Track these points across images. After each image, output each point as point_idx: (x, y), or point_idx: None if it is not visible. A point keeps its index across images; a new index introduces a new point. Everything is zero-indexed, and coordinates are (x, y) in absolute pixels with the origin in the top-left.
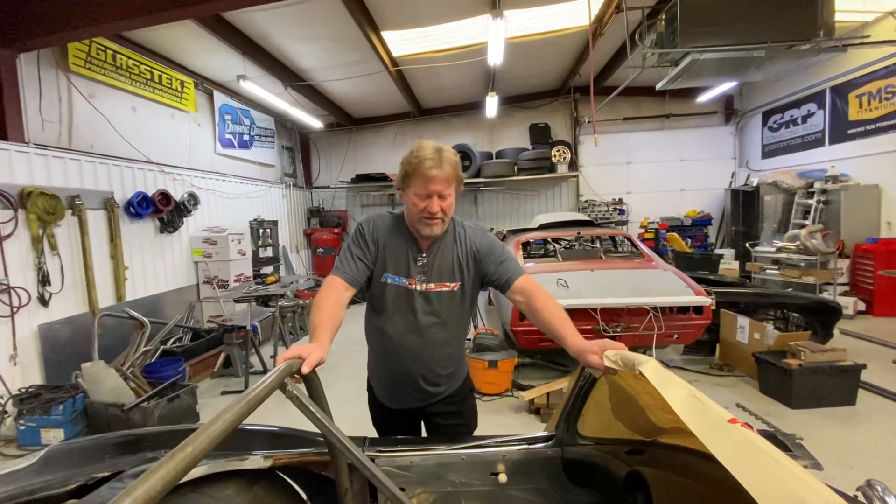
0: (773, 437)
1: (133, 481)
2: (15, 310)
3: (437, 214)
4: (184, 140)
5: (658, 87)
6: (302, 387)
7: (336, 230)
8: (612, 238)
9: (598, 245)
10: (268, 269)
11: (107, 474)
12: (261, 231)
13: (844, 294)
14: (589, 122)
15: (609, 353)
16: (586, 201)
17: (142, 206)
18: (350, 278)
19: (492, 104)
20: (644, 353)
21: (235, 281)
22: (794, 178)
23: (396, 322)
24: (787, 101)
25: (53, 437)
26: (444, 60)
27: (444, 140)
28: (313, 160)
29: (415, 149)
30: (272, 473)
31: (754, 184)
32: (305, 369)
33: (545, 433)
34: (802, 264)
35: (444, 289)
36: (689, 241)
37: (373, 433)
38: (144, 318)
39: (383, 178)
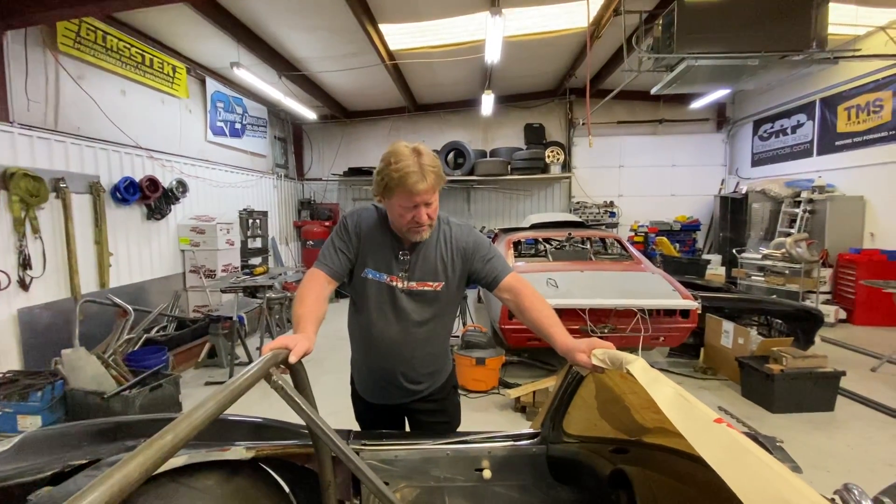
0: (755, 439)
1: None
2: None
3: (426, 221)
4: (174, 126)
5: (653, 91)
6: (287, 378)
7: (327, 223)
8: (603, 240)
9: (588, 246)
10: (256, 260)
11: (84, 462)
12: (250, 221)
13: (826, 302)
14: (583, 123)
15: (597, 351)
16: (578, 203)
17: (129, 191)
18: (332, 271)
19: (487, 102)
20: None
21: (223, 271)
22: (782, 186)
23: (377, 319)
24: (778, 111)
25: (31, 423)
26: (442, 56)
27: (439, 137)
28: (306, 152)
29: (392, 159)
30: (255, 465)
31: (743, 191)
32: (293, 358)
33: (531, 430)
34: (787, 272)
35: (426, 288)
36: (678, 245)
37: (357, 426)
38: (128, 306)
39: None
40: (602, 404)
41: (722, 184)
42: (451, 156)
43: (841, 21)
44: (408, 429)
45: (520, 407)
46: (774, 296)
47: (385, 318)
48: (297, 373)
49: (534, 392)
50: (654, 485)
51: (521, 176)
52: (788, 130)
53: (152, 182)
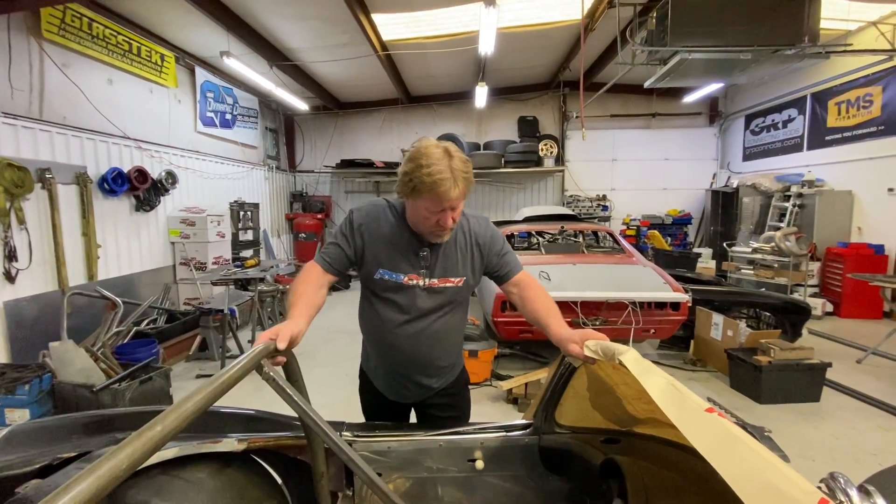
0: (743, 429)
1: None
2: None
3: (451, 226)
4: (163, 116)
5: (646, 85)
6: (279, 369)
7: (319, 215)
8: (595, 233)
9: (580, 239)
10: (247, 253)
11: (73, 454)
12: (241, 213)
13: (814, 295)
14: (577, 117)
15: (590, 342)
16: (571, 196)
17: (117, 182)
18: (328, 266)
19: (481, 94)
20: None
21: (214, 263)
22: (772, 181)
23: (396, 319)
24: (770, 106)
25: (18, 417)
26: (435, 47)
27: (433, 130)
28: (298, 143)
29: (423, 161)
30: (247, 457)
31: (734, 185)
32: (281, 345)
33: (523, 421)
34: (776, 265)
35: (448, 284)
36: (669, 239)
37: (349, 418)
38: (117, 298)
39: (369, 164)
40: (594, 395)
41: (713, 178)
42: None
43: (833, 16)
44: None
45: (512, 399)
46: (763, 289)
47: (404, 319)
48: (288, 364)
49: (526, 384)
50: (644, 474)
51: (514, 169)
52: (780, 125)
53: (141, 173)
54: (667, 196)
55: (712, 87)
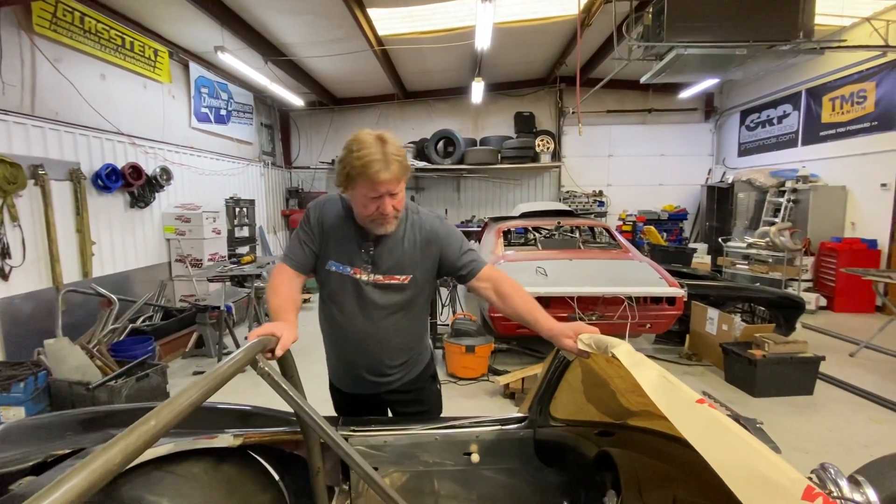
0: (736, 420)
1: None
2: None
3: (391, 213)
4: (157, 112)
5: (643, 80)
6: (274, 364)
7: None
8: (591, 229)
9: (577, 235)
10: (243, 249)
11: (68, 451)
12: (237, 210)
13: (808, 290)
14: (573, 112)
15: (583, 336)
16: (567, 192)
17: (111, 178)
18: (297, 265)
19: (477, 90)
20: None
21: (209, 260)
22: (767, 176)
23: (343, 312)
24: (765, 101)
25: (14, 414)
26: (431, 42)
27: (429, 125)
28: (293, 139)
29: (354, 147)
30: (243, 452)
31: (729, 181)
32: (279, 352)
33: (518, 415)
34: (770, 260)
35: (393, 281)
36: (665, 234)
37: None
38: (112, 295)
39: None
40: (588, 388)
41: (709, 173)
42: (440, 144)
43: (827, 11)
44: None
45: (508, 393)
46: (758, 283)
47: (351, 311)
48: (284, 359)
49: (522, 379)
50: (637, 465)
51: (511, 165)
52: (775, 121)
53: (135, 169)
54: (662, 191)
55: (708, 83)
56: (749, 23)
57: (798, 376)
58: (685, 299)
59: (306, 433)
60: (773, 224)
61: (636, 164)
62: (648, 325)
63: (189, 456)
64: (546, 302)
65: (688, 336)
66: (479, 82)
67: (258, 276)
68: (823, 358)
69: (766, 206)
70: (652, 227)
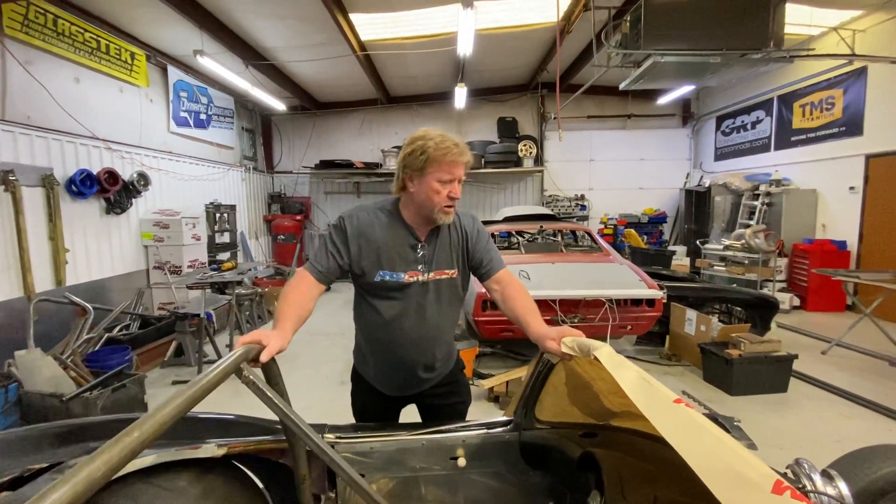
0: (714, 419)
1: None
2: None
3: (458, 198)
4: (134, 116)
5: (621, 87)
6: (259, 372)
7: (298, 217)
8: (573, 232)
9: (559, 239)
10: (225, 256)
11: (44, 465)
12: (217, 216)
13: (782, 290)
14: (555, 118)
15: (566, 339)
16: (550, 196)
17: (85, 184)
18: (321, 276)
19: (460, 95)
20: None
21: (189, 267)
22: (742, 180)
23: (398, 317)
24: (739, 108)
25: None
26: (414, 48)
27: (412, 130)
28: (275, 144)
29: (427, 135)
30: (227, 462)
31: (706, 185)
32: (264, 358)
33: (504, 418)
34: (746, 262)
35: (443, 276)
36: (646, 237)
37: (332, 420)
38: (87, 304)
39: (349, 164)
40: (572, 391)
41: (687, 177)
42: None
43: (797, 21)
44: (419, 419)
45: (493, 397)
46: (735, 284)
47: (407, 315)
48: (268, 367)
49: (507, 382)
50: (620, 465)
51: (494, 169)
52: (748, 126)
53: (111, 175)
54: (642, 195)
55: (684, 90)
56: (722, 32)
57: (773, 374)
58: (664, 301)
59: (292, 441)
60: (748, 226)
61: (617, 168)
62: (629, 327)
63: (172, 467)
64: None
65: (667, 337)
66: (461, 88)
67: (239, 283)
68: (797, 356)
69: (741, 209)
70: (633, 231)
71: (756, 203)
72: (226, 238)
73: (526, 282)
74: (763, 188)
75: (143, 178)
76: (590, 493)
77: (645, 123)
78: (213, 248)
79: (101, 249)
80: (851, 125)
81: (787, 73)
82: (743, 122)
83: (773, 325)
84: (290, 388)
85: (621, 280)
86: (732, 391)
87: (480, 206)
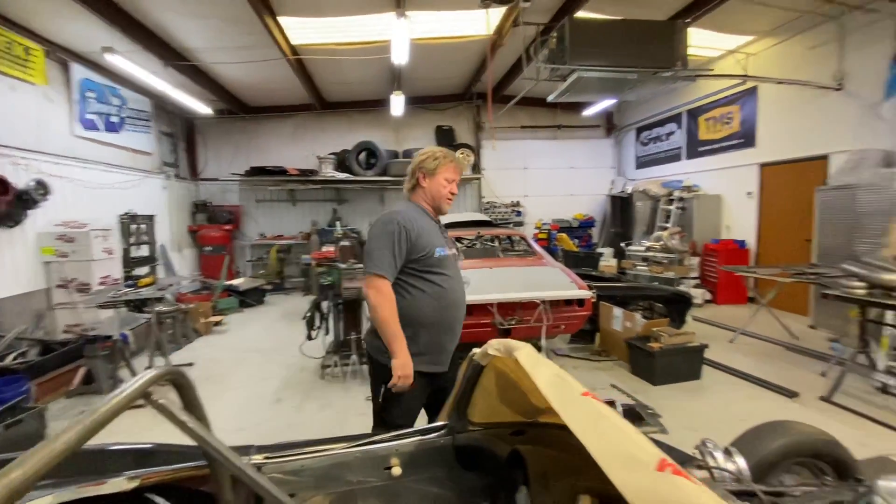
0: (633, 409)
1: None
2: None
3: (456, 193)
4: (29, 117)
5: (549, 99)
6: (174, 396)
7: (227, 227)
8: (510, 238)
9: (497, 244)
10: (143, 270)
11: None
12: (133, 227)
13: (695, 286)
14: (490, 127)
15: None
16: (488, 203)
17: None
18: (392, 276)
19: (397, 103)
20: (536, 343)
21: (100, 284)
22: (659, 187)
23: (452, 284)
24: (655, 120)
25: None
26: (348, 54)
27: (348, 137)
28: (200, 149)
29: (436, 150)
30: (140, 496)
31: (629, 191)
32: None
33: (438, 423)
34: (665, 261)
35: (454, 251)
36: (577, 240)
37: (265, 441)
38: None
39: (282, 171)
40: (502, 391)
41: (612, 184)
42: (362, 156)
43: (700, 44)
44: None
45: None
46: (656, 283)
47: (455, 282)
48: (183, 389)
49: None
50: (545, 460)
51: None
52: (663, 137)
53: (1, 183)
54: (573, 201)
55: (607, 103)
56: (638, 51)
57: (688, 364)
58: (594, 300)
59: (213, 467)
60: (665, 229)
61: (549, 175)
62: (563, 326)
63: None
64: (469, 310)
65: (598, 334)
66: (398, 95)
67: (160, 300)
68: (707, 346)
69: (659, 213)
70: (565, 235)
71: (671, 207)
72: (144, 251)
73: (466, 287)
74: (676, 194)
75: (42, 187)
76: (518, 489)
77: (574, 134)
78: (130, 262)
79: None
80: (747, 137)
81: (694, 90)
82: (658, 133)
83: (688, 318)
84: (222, 410)
85: (554, 282)
86: (655, 381)
87: None
